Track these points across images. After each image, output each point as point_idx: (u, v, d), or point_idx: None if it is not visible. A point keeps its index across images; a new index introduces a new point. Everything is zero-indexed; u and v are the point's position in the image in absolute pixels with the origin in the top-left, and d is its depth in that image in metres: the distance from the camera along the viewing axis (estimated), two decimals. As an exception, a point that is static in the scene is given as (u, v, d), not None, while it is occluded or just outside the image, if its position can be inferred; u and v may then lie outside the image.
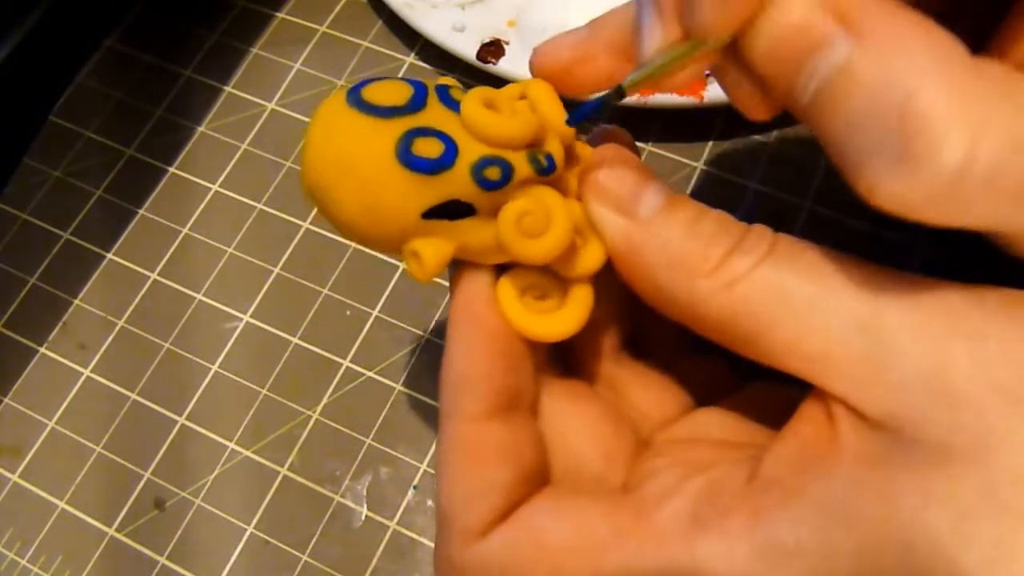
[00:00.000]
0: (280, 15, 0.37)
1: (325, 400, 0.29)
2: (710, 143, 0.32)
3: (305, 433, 0.29)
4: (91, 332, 0.31)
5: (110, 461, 0.29)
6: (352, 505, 0.28)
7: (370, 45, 0.36)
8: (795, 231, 0.17)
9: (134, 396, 0.30)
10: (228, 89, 0.35)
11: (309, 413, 0.29)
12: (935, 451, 0.14)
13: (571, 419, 0.19)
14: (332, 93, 0.18)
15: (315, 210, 0.32)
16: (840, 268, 0.16)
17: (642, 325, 0.22)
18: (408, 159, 0.17)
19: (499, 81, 0.34)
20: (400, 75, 0.35)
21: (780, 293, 0.16)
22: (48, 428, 0.30)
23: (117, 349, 0.31)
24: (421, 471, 0.28)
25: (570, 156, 0.19)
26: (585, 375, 0.21)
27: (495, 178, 0.17)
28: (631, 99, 0.31)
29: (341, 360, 0.30)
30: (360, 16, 0.36)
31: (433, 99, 0.18)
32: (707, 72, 0.32)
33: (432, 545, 0.27)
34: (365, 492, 0.28)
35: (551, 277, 0.19)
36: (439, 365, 0.29)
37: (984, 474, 0.14)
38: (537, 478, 0.18)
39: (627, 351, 0.22)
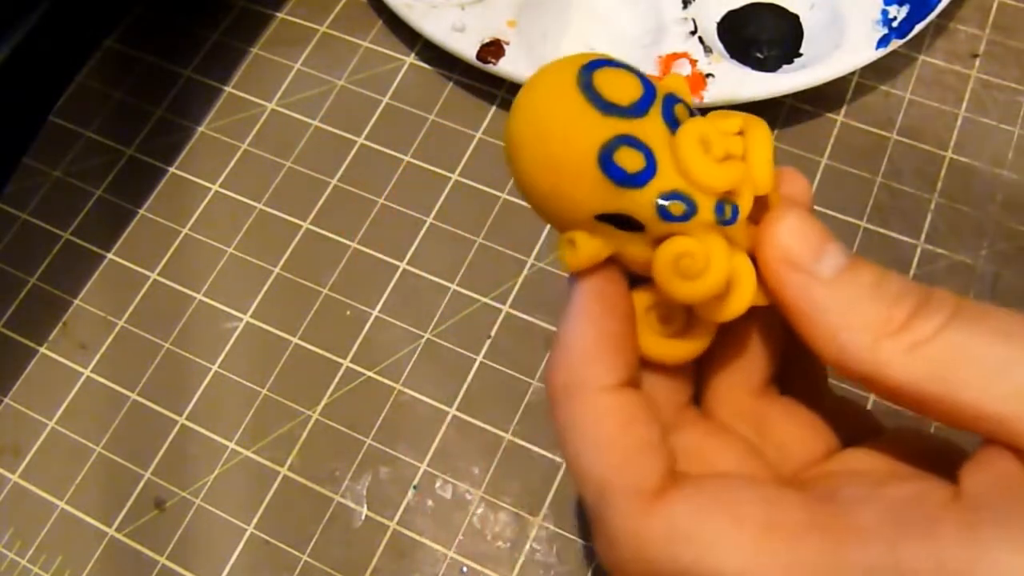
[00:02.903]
0: (280, 15, 0.37)
1: (325, 400, 0.29)
2: (710, 143, 0.32)
3: (305, 433, 0.29)
4: (91, 332, 0.31)
5: (110, 461, 0.29)
6: (352, 505, 0.28)
7: (370, 45, 0.36)
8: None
9: (134, 396, 0.30)
10: (228, 89, 0.35)
11: (309, 413, 0.29)
12: None
13: (716, 452, 0.19)
14: (566, 61, 0.18)
15: (316, 209, 0.32)
16: None
17: (788, 362, 0.22)
18: (606, 164, 0.17)
19: (498, 80, 0.34)
20: (399, 75, 0.35)
21: (969, 355, 0.16)
22: (48, 428, 0.30)
23: (117, 349, 0.31)
24: (421, 471, 0.28)
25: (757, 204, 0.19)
26: (728, 410, 0.21)
27: (677, 213, 0.17)
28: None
29: (341, 360, 0.30)
30: (360, 16, 0.36)
31: (656, 109, 0.18)
32: (707, 73, 0.32)
33: (432, 545, 0.27)
34: (365, 492, 0.28)
35: (682, 307, 0.19)
36: (439, 365, 0.29)
37: None
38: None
39: (773, 387, 0.21)
